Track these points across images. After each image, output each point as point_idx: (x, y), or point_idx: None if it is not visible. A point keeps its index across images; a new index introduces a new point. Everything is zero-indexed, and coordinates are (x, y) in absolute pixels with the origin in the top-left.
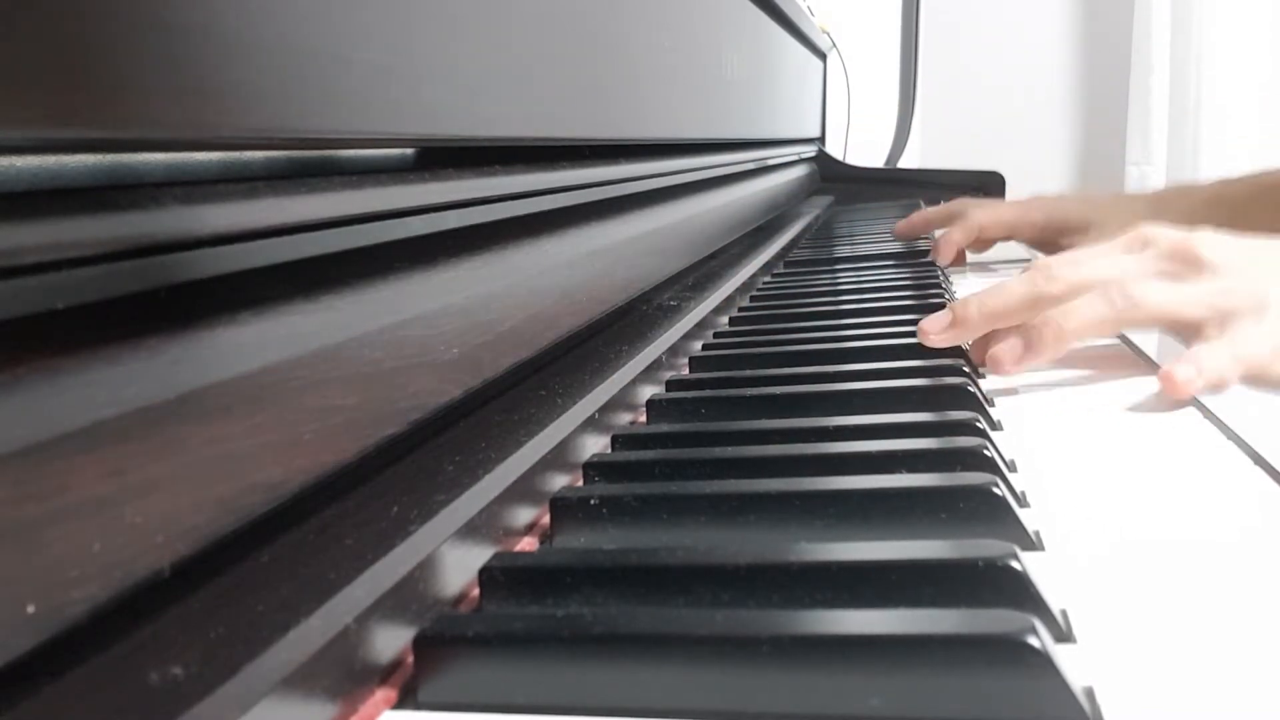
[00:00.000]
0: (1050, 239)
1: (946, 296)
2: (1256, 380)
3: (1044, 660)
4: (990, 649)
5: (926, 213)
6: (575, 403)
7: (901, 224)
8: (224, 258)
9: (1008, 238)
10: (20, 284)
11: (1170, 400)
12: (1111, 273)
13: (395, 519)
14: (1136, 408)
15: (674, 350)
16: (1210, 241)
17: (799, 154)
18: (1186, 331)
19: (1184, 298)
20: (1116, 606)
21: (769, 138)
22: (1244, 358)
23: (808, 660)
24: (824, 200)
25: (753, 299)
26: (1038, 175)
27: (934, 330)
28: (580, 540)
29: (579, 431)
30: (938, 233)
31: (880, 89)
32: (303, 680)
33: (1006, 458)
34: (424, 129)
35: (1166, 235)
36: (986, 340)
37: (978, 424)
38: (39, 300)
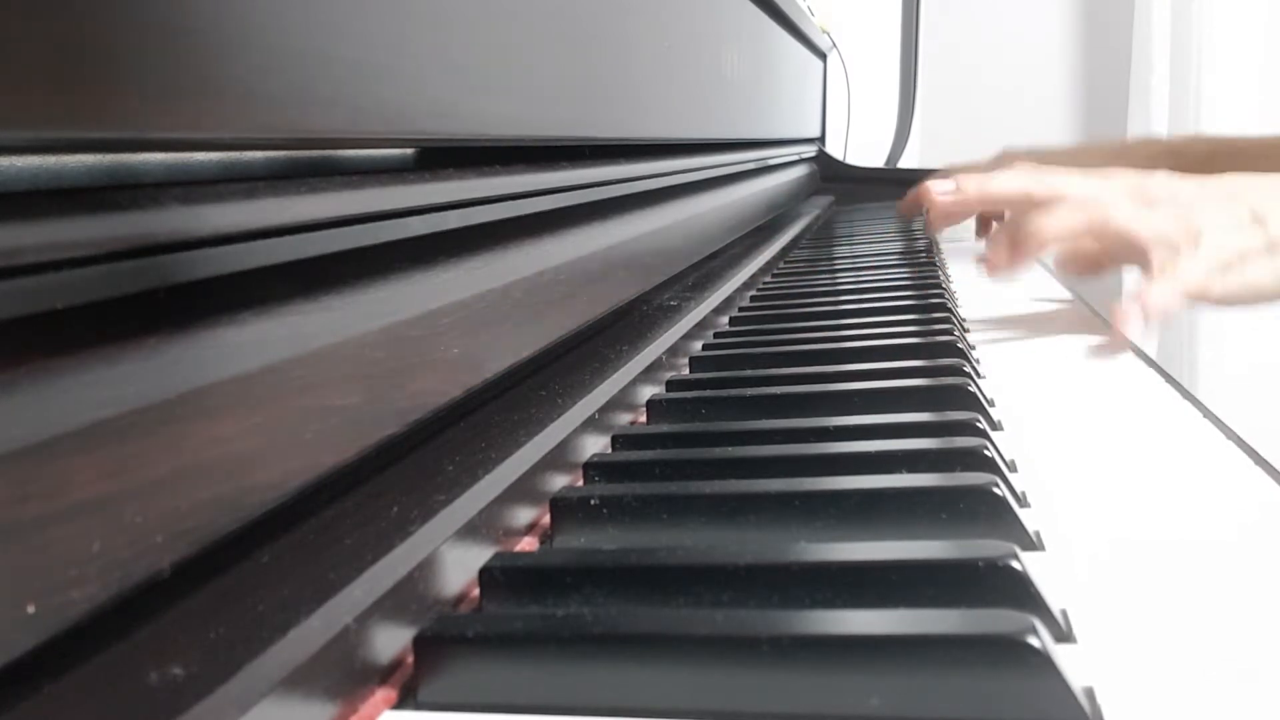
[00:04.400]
0: None
1: (946, 297)
2: (1199, 299)
3: (1044, 660)
4: (990, 649)
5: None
6: (575, 403)
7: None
8: (224, 258)
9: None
10: (20, 284)
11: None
12: (1087, 190)
13: (395, 519)
14: (1137, 408)
15: (674, 350)
16: (1161, 181)
17: (799, 154)
18: (1135, 255)
19: (1143, 222)
20: (1117, 606)
21: (769, 138)
22: (1186, 286)
23: (808, 660)
24: (824, 200)
25: (753, 299)
26: None
27: (937, 191)
28: (580, 540)
29: (579, 431)
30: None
31: (880, 89)
32: (303, 680)
33: (1007, 458)
34: (424, 129)
35: (1125, 174)
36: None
37: (978, 424)
38: (39, 300)
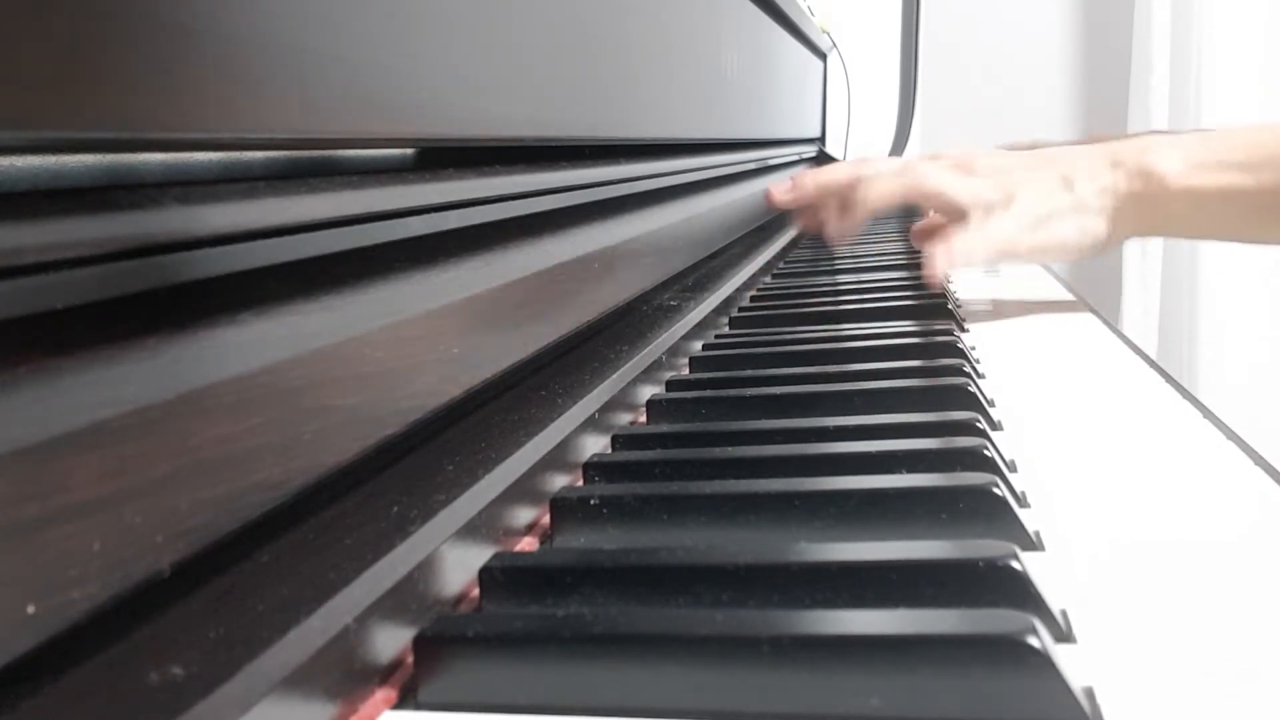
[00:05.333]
0: None
1: (946, 297)
2: (1007, 256)
3: (1044, 660)
4: (990, 649)
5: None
6: (575, 403)
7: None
8: (224, 258)
9: None
10: (20, 284)
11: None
12: (907, 162)
13: (395, 519)
14: (1137, 408)
15: (674, 350)
16: (983, 154)
17: (799, 154)
18: (955, 215)
19: (955, 184)
20: (1116, 607)
21: (769, 138)
22: (993, 240)
23: (808, 660)
24: None
25: (753, 299)
26: None
27: (778, 193)
28: (580, 540)
29: (579, 431)
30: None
31: (880, 89)
32: (303, 680)
33: (1006, 458)
34: (424, 129)
35: (951, 150)
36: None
37: (978, 424)
38: (39, 300)
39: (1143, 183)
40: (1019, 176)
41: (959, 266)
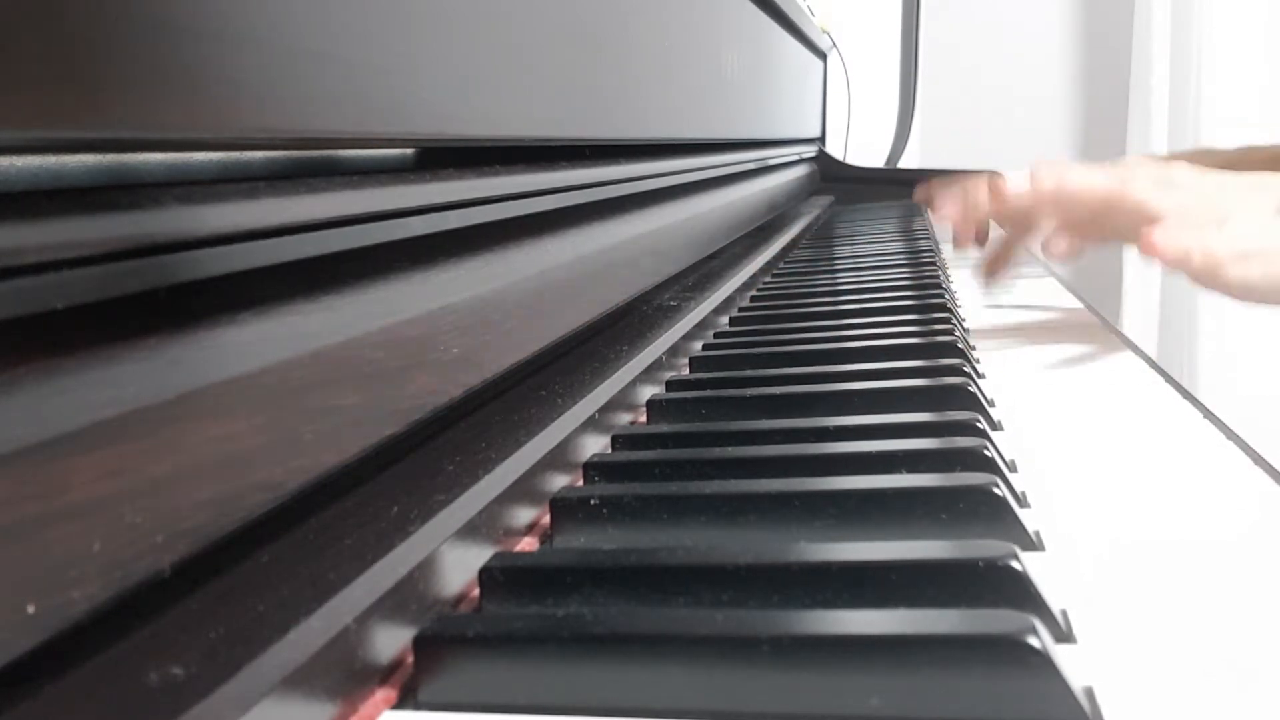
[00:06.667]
0: None
1: (946, 297)
2: (1208, 277)
3: (1044, 660)
4: (990, 649)
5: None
6: (575, 403)
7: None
8: (224, 258)
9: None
10: (20, 284)
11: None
12: (1112, 170)
13: (395, 519)
14: (1137, 408)
15: (674, 350)
16: (1183, 170)
17: (799, 154)
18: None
19: (1163, 197)
20: (1117, 607)
21: (769, 138)
22: (1208, 249)
23: (808, 660)
24: (824, 200)
25: (753, 299)
26: None
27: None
28: (580, 540)
29: (579, 431)
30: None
31: (880, 89)
32: (303, 680)
33: (1006, 458)
34: (424, 129)
35: (1150, 161)
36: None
37: (978, 424)
38: (39, 300)
39: None
40: (1229, 197)
41: (1173, 259)
